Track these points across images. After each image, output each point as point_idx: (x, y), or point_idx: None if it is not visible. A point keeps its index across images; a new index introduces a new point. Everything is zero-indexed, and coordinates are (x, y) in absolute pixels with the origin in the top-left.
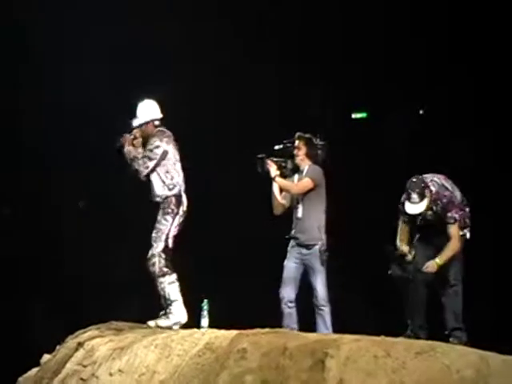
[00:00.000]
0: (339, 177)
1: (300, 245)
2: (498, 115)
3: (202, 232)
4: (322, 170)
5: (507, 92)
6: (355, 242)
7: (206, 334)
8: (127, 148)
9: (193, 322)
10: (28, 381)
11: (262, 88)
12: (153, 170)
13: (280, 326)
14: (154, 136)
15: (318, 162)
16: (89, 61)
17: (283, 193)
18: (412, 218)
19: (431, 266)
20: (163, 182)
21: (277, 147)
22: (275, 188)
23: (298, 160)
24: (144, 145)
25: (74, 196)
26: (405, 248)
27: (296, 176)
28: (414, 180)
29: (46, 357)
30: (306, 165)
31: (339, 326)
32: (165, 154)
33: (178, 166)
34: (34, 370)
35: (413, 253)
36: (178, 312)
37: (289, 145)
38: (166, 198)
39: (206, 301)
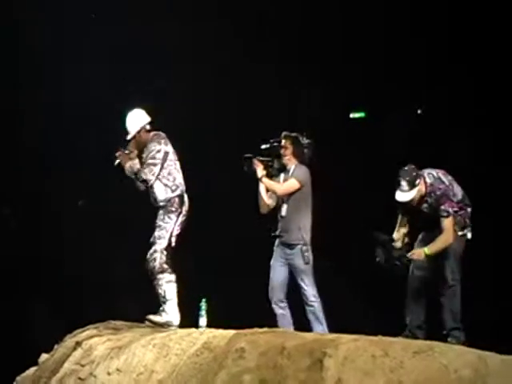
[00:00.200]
0: (337, 176)
1: (283, 244)
2: (497, 115)
3: (200, 231)
4: (309, 170)
5: (507, 92)
6: (354, 242)
7: (204, 334)
8: (127, 166)
9: (191, 322)
10: (26, 380)
11: (262, 88)
12: (159, 174)
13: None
14: (150, 141)
15: (304, 160)
16: (89, 61)
17: (269, 192)
18: (404, 207)
19: (418, 253)
20: (165, 186)
21: (263, 146)
22: (261, 187)
23: (284, 159)
24: (141, 152)
25: (74, 196)
26: (396, 234)
27: (282, 175)
28: (406, 168)
29: (43, 356)
30: (292, 164)
31: (338, 326)
32: (166, 155)
33: (178, 165)
34: (32, 370)
35: (406, 240)
36: (171, 312)
37: (275, 144)
38: (170, 199)
39: (204, 300)
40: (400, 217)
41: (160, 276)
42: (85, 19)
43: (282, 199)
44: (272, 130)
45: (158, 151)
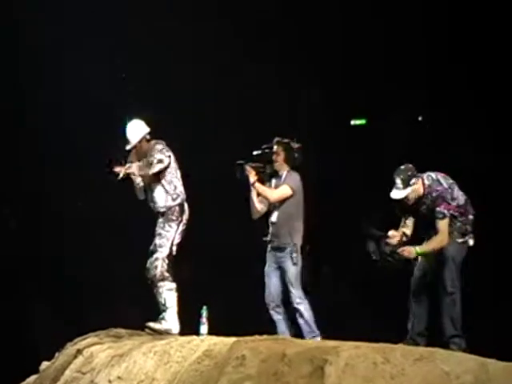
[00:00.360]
0: (338, 183)
1: (274, 249)
2: (498, 122)
3: (201, 238)
4: (300, 176)
5: (508, 98)
6: (355, 247)
7: (205, 341)
8: (133, 176)
9: (192, 329)
10: None
11: (262, 88)
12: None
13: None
14: (152, 148)
15: (296, 166)
16: (89, 61)
17: (260, 197)
18: (400, 206)
19: (408, 250)
20: (166, 193)
21: (255, 152)
22: (253, 194)
23: (276, 165)
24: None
25: (74, 196)
26: (393, 232)
27: (274, 181)
28: (402, 167)
29: (44, 364)
30: (284, 170)
31: (339, 332)
32: (169, 159)
33: (179, 174)
34: (33, 377)
35: (403, 240)
36: (171, 320)
37: (267, 150)
38: (170, 208)
39: (205, 307)
40: (404, 218)
41: (161, 284)
42: (85, 19)
43: (273, 205)
44: (272, 130)
45: (162, 150)
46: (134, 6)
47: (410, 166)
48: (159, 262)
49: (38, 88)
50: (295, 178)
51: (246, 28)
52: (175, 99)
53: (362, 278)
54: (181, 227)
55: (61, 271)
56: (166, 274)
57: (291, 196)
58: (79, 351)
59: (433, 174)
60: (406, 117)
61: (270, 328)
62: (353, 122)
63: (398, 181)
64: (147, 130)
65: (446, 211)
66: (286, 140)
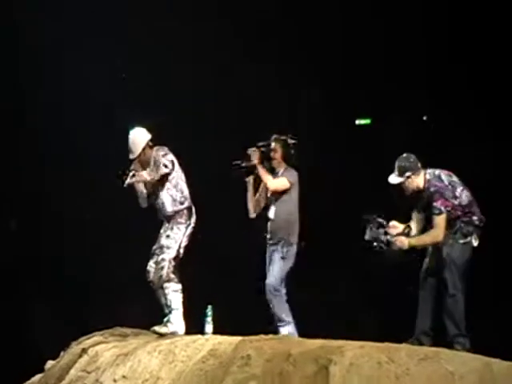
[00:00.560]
0: (343, 183)
1: (271, 244)
2: (502, 122)
3: (205, 237)
4: (297, 173)
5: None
6: (360, 247)
7: (210, 340)
8: (137, 185)
9: (197, 329)
10: None
11: (262, 88)
12: (168, 174)
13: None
14: (155, 155)
15: (293, 163)
16: (89, 61)
17: (257, 196)
18: (397, 192)
19: (400, 240)
20: (173, 197)
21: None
22: (249, 192)
23: (274, 162)
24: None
25: (74, 196)
26: (395, 222)
27: (270, 178)
28: (404, 155)
29: (49, 363)
30: (281, 168)
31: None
32: (173, 163)
33: (183, 176)
34: (38, 377)
35: (405, 231)
36: (177, 322)
37: (263, 149)
38: (178, 211)
39: (210, 307)
40: (414, 213)
41: (166, 285)
42: (85, 19)
43: (270, 200)
44: (272, 130)
45: (165, 155)
46: (134, 6)
47: (413, 156)
48: (166, 264)
49: (38, 88)
50: (293, 173)
51: (246, 28)
52: (175, 99)
53: (363, 278)
54: (189, 230)
55: (61, 271)
56: (172, 276)
57: (288, 190)
58: (84, 350)
59: (436, 171)
60: (410, 116)
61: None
62: (358, 122)
63: (396, 167)
64: (149, 137)
65: (442, 207)
66: (283, 137)
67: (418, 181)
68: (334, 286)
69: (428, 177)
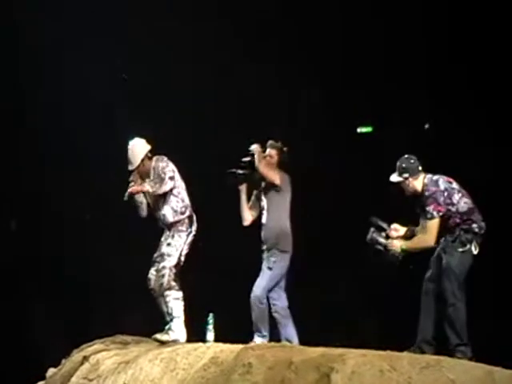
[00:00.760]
0: (343, 183)
1: (263, 251)
2: (505, 131)
3: (206, 245)
4: (290, 179)
5: None
6: (363, 254)
7: (212, 348)
8: (136, 195)
9: (198, 336)
10: None
11: (262, 88)
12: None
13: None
14: (155, 166)
15: (286, 168)
16: (89, 61)
17: (250, 203)
18: (397, 191)
19: (393, 244)
20: (174, 210)
21: (244, 159)
22: (243, 200)
23: (269, 168)
24: (144, 181)
25: (74, 196)
26: (397, 225)
27: (263, 183)
28: (405, 156)
29: (51, 370)
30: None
31: (344, 331)
32: (173, 173)
33: (184, 185)
34: None
35: (407, 234)
36: (178, 330)
37: (249, 158)
38: (179, 221)
39: (211, 315)
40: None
41: (167, 293)
42: (85, 19)
43: (263, 207)
44: (272, 130)
45: (166, 166)
46: (134, 6)
47: (414, 158)
48: (166, 271)
49: (38, 88)
50: (285, 177)
51: (246, 28)
52: (175, 99)
53: (363, 278)
54: (190, 238)
55: (61, 271)
56: (173, 283)
57: (278, 191)
58: (86, 358)
59: (436, 176)
60: (411, 120)
61: (276, 335)
62: (359, 130)
63: (397, 167)
64: (148, 148)
65: (434, 212)
66: (279, 143)
67: (416, 184)
68: (333, 286)
69: (426, 181)
